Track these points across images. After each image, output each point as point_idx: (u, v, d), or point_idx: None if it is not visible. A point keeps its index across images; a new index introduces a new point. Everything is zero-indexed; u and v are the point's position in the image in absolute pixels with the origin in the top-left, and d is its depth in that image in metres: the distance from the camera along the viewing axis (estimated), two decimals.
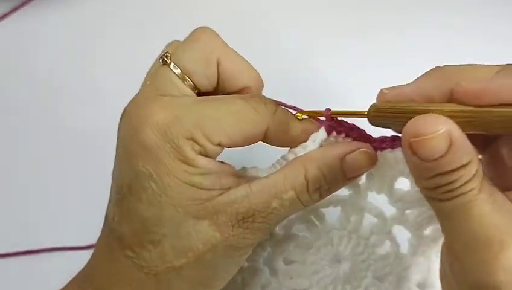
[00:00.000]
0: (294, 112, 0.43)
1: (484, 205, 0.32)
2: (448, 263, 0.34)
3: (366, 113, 0.39)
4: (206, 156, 0.38)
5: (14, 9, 0.73)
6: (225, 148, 0.40)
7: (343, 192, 0.44)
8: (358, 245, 0.45)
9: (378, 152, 0.41)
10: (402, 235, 0.45)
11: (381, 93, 0.38)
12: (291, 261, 0.46)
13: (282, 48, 0.70)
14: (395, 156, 0.41)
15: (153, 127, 0.37)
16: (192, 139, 0.38)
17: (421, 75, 0.38)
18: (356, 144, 0.41)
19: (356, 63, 0.67)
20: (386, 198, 0.44)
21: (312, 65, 0.68)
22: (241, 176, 0.41)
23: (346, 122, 0.42)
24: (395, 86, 0.38)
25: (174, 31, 0.73)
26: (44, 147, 0.65)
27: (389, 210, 0.45)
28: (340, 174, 0.39)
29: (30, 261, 0.59)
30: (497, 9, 0.70)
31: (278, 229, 0.46)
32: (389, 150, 0.41)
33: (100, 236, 0.41)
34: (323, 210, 0.46)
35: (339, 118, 0.42)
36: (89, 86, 0.69)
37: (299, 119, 0.43)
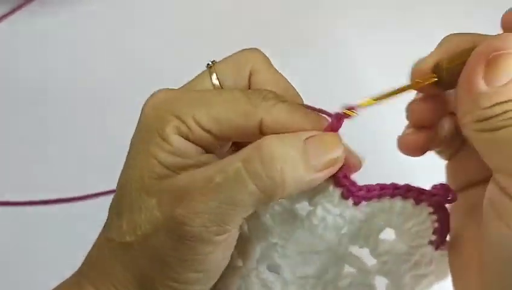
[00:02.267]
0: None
1: None
2: (500, 193, 0.32)
3: (434, 77, 0.35)
4: (189, 139, 0.36)
5: (14, 10, 0.73)
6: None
7: (321, 244, 0.40)
8: None
9: (364, 203, 0.38)
10: (381, 282, 0.42)
11: (422, 60, 0.36)
12: None
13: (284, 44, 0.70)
14: (382, 205, 0.39)
15: (151, 102, 0.38)
16: (180, 119, 0.36)
17: (441, 42, 0.36)
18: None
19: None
20: (367, 250, 0.41)
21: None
22: None
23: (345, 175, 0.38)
24: (430, 53, 0.36)
25: (174, 31, 0.74)
26: (41, 147, 0.65)
27: (370, 261, 0.41)
28: (305, 157, 0.34)
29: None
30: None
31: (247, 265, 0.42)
32: (375, 199, 0.38)
33: None
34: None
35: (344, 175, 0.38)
36: (89, 85, 0.69)
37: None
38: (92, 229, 0.38)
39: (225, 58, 0.41)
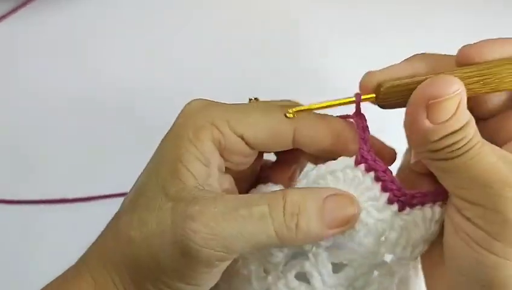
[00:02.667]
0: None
1: (490, 155, 0.34)
2: (456, 213, 0.35)
3: (373, 96, 0.37)
4: (221, 145, 0.38)
5: (14, 10, 0.73)
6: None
7: (357, 252, 0.39)
8: None
9: (407, 209, 0.38)
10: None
11: (370, 74, 0.38)
12: None
13: (283, 46, 0.70)
14: (424, 214, 0.38)
15: (187, 110, 0.39)
16: (214, 125, 0.37)
17: (405, 60, 0.38)
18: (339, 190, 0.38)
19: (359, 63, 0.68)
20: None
21: (314, 65, 0.68)
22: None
23: (380, 162, 0.39)
24: (383, 68, 0.38)
25: (174, 31, 0.74)
26: (42, 148, 0.65)
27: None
28: (322, 213, 0.36)
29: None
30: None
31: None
32: (419, 206, 0.38)
33: None
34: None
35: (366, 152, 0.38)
36: (89, 85, 0.69)
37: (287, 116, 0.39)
38: (96, 231, 0.38)
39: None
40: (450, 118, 0.33)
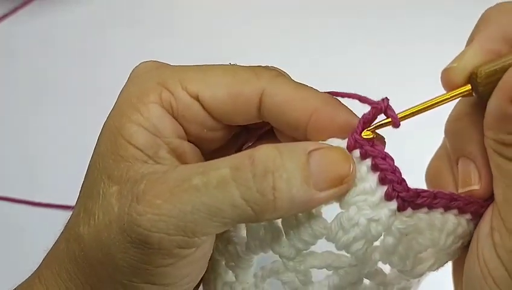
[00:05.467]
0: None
1: None
2: (487, 233, 0.29)
3: (469, 87, 0.30)
4: (172, 110, 0.30)
5: (14, 10, 0.73)
6: None
7: (342, 258, 0.32)
8: None
9: (409, 210, 0.30)
10: None
11: (449, 70, 0.30)
12: None
13: (286, 48, 0.70)
14: (431, 220, 0.30)
15: (134, 73, 0.33)
16: (163, 85, 0.30)
17: (473, 39, 0.31)
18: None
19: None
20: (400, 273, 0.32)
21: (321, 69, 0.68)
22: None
23: (379, 146, 0.31)
24: (458, 58, 0.30)
25: (174, 31, 0.74)
26: (42, 147, 0.65)
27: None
28: (306, 170, 0.28)
29: None
30: None
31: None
32: (425, 209, 0.30)
33: None
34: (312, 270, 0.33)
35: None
36: (89, 85, 0.69)
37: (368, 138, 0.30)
38: None
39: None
40: None
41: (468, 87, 0.30)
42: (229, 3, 0.75)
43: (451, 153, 0.34)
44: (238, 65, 0.32)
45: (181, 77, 0.30)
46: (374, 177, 0.30)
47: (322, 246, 0.32)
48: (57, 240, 0.32)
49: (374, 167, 0.30)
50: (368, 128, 0.30)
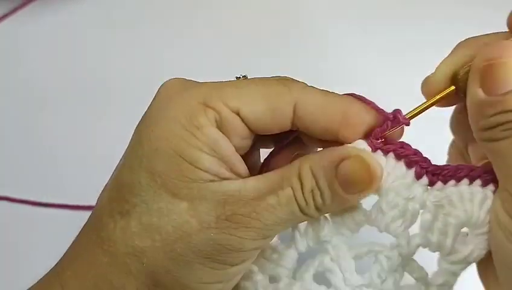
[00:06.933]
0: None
1: None
2: (500, 205, 0.31)
3: (453, 88, 0.33)
4: (220, 126, 0.33)
5: (14, 10, 0.73)
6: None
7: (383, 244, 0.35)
8: None
9: (440, 184, 0.34)
10: None
11: (427, 78, 0.35)
12: None
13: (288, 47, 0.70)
14: (458, 191, 0.33)
15: (163, 91, 0.34)
16: (206, 104, 0.33)
17: (452, 51, 0.35)
18: (355, 150, 0.34)
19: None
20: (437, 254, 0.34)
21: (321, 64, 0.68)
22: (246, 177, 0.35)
23: (392, 140, 0.35)
24: (439, 66, 0.34)
25: (174, 31, 0.74)
26: (43, 147, 0.65)
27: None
28: (334, 184, 0.33)
29: None
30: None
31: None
32: (453, 182, 0.34)
33: None
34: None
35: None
36: (89, 85, 0.69)
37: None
38: None
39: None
40: (507, 92, 0.29)
41: (453, 88, 0.34)
42: (229, 3, 0.75)
43: (460, 144, 0.38)
44: (267, 78, 0.35)
45: (220, 95, 0.33)
46: (401, 164, 0.34)
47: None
48: (87, 253, 0.34)
49: (398, 157, 0.34)
50: (383, 134, 0.35)
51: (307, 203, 0.33)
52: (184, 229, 0.32)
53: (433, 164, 0.34)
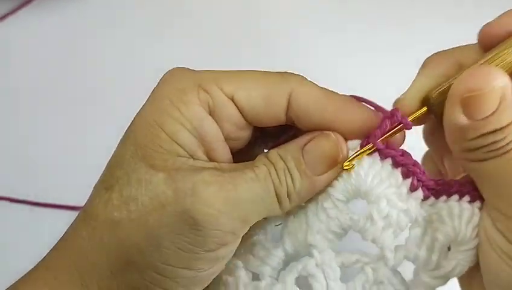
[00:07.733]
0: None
1: None
2: (490, 224, 0.31)
3: (425, 109, 0.33)
4: (210, 109, 0.33)
5: (14, 10, 0.73)
6: None
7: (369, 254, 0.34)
8: None
9: (432, 199, 0.34)
10: None
11: (401, 98, 0.34)
12: None
13: (278, 47, 0.70)
14: (448, 206, 0.33)
15: (168, 76, 0.35)
16: (200, 86, 0.33)
17: (420, 70, 0.35)
18: (321, 132, 0.34)
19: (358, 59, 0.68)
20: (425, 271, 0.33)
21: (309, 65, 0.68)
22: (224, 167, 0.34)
23: (393, 146, 0.35)
24: (410, 88, 0.34)
25: (174, 31, 0.74)
26: (42, 147, 0.65)
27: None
28: (301, 164, 0.33)
29: None
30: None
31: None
32: (444, 197, 0.33)
33: None
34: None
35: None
36: (89, 85, 0.69)
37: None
38: None
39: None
40: (490, 115, 0.29)
41: (424, 109, 0.33)
42: (228, 3, 0.75)
43: (435, 156, 0.39)
44: (266, 71, 0.35)
45: (216, 79, 0.33)
46: (397, 173, 0.33)
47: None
48: (72, 230, 0.33)
49: (396, 164, 0.33)
50: (384, 136, 0.34)
51: (280, 182, 0.33)
52: (160, 199, 0.31)
53: (429, 178, 0.34)
